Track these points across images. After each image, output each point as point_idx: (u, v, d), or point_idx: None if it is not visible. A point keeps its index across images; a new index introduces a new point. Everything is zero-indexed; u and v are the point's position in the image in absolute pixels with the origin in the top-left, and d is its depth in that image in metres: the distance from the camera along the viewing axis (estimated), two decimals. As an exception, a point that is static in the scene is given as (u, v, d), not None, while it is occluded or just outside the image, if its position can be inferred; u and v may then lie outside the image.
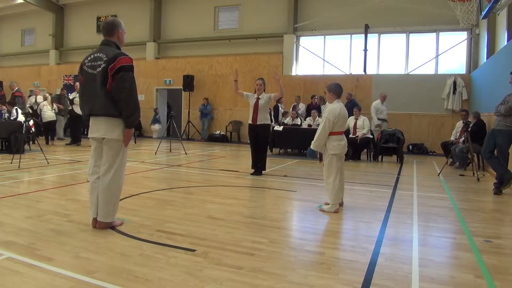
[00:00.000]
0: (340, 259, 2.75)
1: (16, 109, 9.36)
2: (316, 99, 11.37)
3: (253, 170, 6.61)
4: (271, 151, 10.17)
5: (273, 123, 10.09)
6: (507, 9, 7.95)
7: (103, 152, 3.24)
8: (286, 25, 13.65)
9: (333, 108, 4.27)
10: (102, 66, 3.06)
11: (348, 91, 11.36)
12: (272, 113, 11.06)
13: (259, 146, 6.57)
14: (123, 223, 3.40)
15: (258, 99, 6.49)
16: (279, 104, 11.21)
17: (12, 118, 9.12)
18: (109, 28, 3.24)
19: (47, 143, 11.03)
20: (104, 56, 3.09)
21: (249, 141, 6.76)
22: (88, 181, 3.32)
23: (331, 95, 4.36)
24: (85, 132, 11.50)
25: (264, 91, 6.62)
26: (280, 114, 11.20)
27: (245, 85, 14.06)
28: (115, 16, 16.49)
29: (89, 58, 3.19)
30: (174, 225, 3.45)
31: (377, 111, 10.75)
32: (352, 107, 10.27)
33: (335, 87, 4.37)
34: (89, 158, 3.37)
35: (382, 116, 10.73)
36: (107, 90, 3.07)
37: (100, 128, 3.17)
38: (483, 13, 7.46)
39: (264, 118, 6.50)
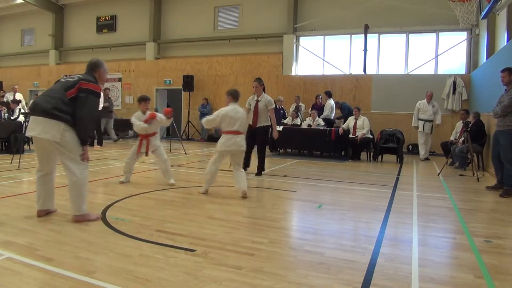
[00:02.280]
0: (340, 259, 2.75)
1: (19, 109, 9.38)
2: (320, 99, 11.36)
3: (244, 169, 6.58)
4: (271, 151, 10.18)
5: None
6: (507, 9, 7.95)
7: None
8: (286, 25, 13.65)
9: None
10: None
11: (337, 100, 11.38)
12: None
13: (258, 148, 6.52)
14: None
15: (257, 101, 6.43)
16: (278, 106, 11.17)
17: (12, 118, 9.13)
18: (91, 67, 3.67)
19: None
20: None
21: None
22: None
23: (228, 98, 5.02)
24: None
25: (264, 91, 6.54)
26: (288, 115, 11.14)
27: (245, 85, 14.08)
28: (115, 16, 16.52)
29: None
30: (174, 225, 3.45)
31: (419, 111, 9.84)
32: (348, 112, 10.26)
33: (232, 92, 5.11)
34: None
35: (425, 117, 9.75)
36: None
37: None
38: (483, 13, 7.47)
39: (263, 120, 6.43)
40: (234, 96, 5.02)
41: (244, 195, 4.72)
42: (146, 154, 5.50)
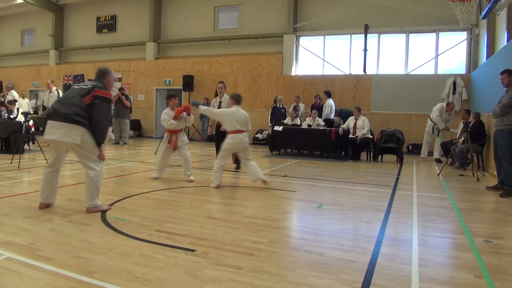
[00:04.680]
0: (340, 259, 2.75)
1: (18, 109, 9.36)
2: (318, 99, 11.37)
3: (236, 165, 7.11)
4: (271, 151, 10.18)
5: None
6: (507, 9, 7.95)
7: None
8: (286, 25, 13.65)
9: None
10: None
11: (336, 100, 11.47)
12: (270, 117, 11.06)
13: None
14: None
15: (220, 102, 6.84)
16: (279, 105, 11.17)
17: (12, 117, 9.12)
18: (101, 74, 3.92)
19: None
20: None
21: (215, 142, 7.05)
22: None
23: (231, 101, 5.54)
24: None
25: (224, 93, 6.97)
26: (288, 114, 11.10)
27: (245, 85, 14.10)
28: (115, 16, 16.51)
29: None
30: (174, 225, 3.45)
31: (440, 113, 9.57)
32: (347, 115, 10.25)
33: (236, 96, 5.63)
34: None
35: (436, 120, 9.56)
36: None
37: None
38: (483, 13, 7.46)
39: None
40: (237, 99, 5.53)
41: (264, 183, 5.33)
42: (174, 149, 5.79)
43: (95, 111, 3.65)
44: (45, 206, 3.88)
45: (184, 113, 5.77)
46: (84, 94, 3.65)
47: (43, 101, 11.12)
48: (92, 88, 3.70)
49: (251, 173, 5.41)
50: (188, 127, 14.40)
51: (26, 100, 12.64)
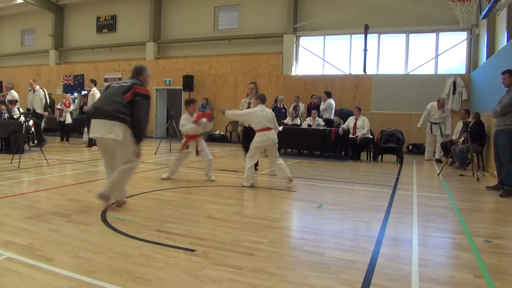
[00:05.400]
0: (340, 259, 2.75)
1: (18, 108, 9.36)
2: (315, 99, 11.37)
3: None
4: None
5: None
6: (507, 9, 7.95)
7: None
8: (286, 25, 13.65)
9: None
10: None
11: (336, 100, 11.44)
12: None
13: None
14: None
15: (249, 103, 6.82)
16: (280, 105, 11.16)
17: (15, 117, 9.11)
18: (137, 71, 4.02)
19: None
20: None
21: (242, 142, 7.08)
22: None
23: (257, 101, 5.70)
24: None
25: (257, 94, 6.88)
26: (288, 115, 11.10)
27: (245, 85, 14.04)
28: (115, 16, 16.51)
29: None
30: (174, 225, 3.45)
31: (429, 113, 9.79)
32: (348, 115, 10.26)
33: (261, 96, 5.82)
34: None
35: (432, 120, 9.75)
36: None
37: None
38: (483, 13, 7.46)
39: None
40: (262, 99, 5.73)
41: (290, 181, 5.52)
42: (197, 154, 5.87)
43: (136, 108, 3.72)
44: (122, 203, 4.02)
45: (204, 119, 5.81)
46: (125, 91, 3.73)
47: (27, 102, 10.48)
48: (132, 85, 3.77)
49: (279, 170, 5.54)
50: (188, 127, 14.44)
51: None
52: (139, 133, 3.78)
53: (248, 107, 6.85)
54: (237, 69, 14.28)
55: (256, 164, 6.86)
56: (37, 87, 10.11)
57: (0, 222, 3.37)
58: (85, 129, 11.77)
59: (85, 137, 11.68)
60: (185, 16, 15.37)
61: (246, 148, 6.55)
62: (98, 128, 3.66)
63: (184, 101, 6.04)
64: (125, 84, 3.82)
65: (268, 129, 5.51)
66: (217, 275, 2.38)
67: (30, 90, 10.25)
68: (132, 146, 3.80)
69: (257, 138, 5.50)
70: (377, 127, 10.55)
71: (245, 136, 6.71)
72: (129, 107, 3.70)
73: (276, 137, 5.62)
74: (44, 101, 10.04)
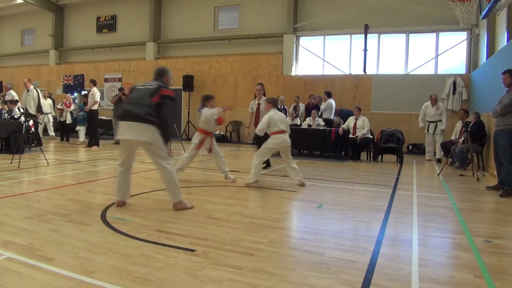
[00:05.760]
0: (340, 259, 2.75)
1: (18, 108, 9.36)
2: (313, 99, 11.36)
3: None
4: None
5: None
6: (507, 9, 7.95)
7: None
8: (286, 25, 13.65)
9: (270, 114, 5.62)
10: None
11: (336, 100, 11.44)
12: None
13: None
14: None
15: (259, 104, 6.83)
16: (280, 106, 11.15)
17: (15, 116, 9.11)
18: (160, 73, 4.11)
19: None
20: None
21: (254, 143, 7.14)
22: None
23: (269, 105, 5.72)
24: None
25: (264, 95, 6.96)
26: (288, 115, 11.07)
27: (245, 85, 14.09)
28: (115, 16, 16.51)
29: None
30: (174, 225, 3.45)
31: (425, 112, 9.84)
32: (348, 115, 10.26)
33: (273, 100, 5.90)
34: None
35: (429, 118, 9.77)
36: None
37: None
38: (483, 13, 7.46)
39: None
40: (274, 103, 5.82)
41: (302, 184, 5.58)
42: (210, 151, 5.89)
43: (163, 110, 3.81)
44: (122, 203, 4.06)
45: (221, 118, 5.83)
46: (152, 94, 3.81)
47: (21, 102, 10.14)
48: (159, 87, 3.86)
49: (293, 172, 5.63)
50: (189, 128, 14.44)
51: (49, 100, 12.61)
52: (166, 134, 3.89)
53: (258, 108, 6.93)
54: (237, 69, 14.28)
55: (268, 163, 6.93)
56: (31, 87, 9.88)
57: (0, 222, 3.37)
58: (81, 129, 11.73)
59: (82, 138, 11.68)
60: (185, 16, 15.38)
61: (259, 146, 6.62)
62: (130, 130, 3.74)
63: (203, 97, 5.93)
64: (151, 87, 3.89)
65: (283, 132, 5.58)
66: (217, 275, 2.38)
67: (24, 90, 10.03)
68: (163, 146, 3.89)
69: (273, 140, 5.54)
70: (377, 127, 10.56)
71: (258, 136, 6.69)
72: (156, 109, 3.79)
73: (289, 140, 5.69)
74: (37, 101, 9.77)
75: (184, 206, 4.04)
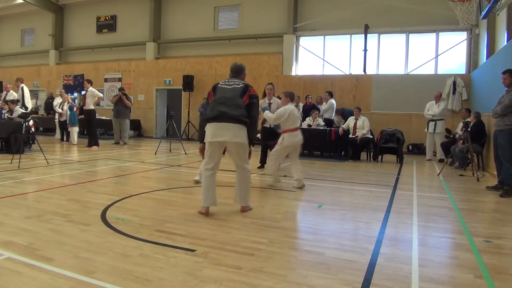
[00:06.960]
0: (340, 259, 2.75)
1: (19, 108, 9.35)
2: (310, 99, 11.36)
3: (260, 165, 7.28)
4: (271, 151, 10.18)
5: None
6: (507, 9, 7.95)
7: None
8: (286, 25, 13.64)
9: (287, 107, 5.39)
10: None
11: (336, 100, 11.42)
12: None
13: (271, 147, 6.66)
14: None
15: (270, 103, 6.80)
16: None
17: (11, 116, 9.10)
18: (238, 71, 4.05)
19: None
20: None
21: (260, 142, 7.11)
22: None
23: (287, 99, 5.51)
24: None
25: (274, 95, 6.94)
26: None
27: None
28: (115, 16, 16.50)
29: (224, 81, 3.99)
30: (174, 225, 3.45)
31: (428, 111, 9.91)
32: (350, 115, 10.25)
33: (291, 94, 5.69)
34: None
35: (429, 117, 9.83)
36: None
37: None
38: (483, 13, 7.46)
39: None
40: (291, 97, 5.60)
41: (301, 187, 5.44)
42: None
43: (252, 111, 3.80)
44: (207, 211, 3.84)
45: None
46: (241, 95, 3.77)
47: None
48: (246, 88, 3.81)
49: (297, 172, 5.53)
50: (189, 128, 14.44)
51: (59, 99, 12.56)
52: (253, 135, 3.89)
53: (269, 107, 6.86)
54: (237, 69, 14.25)
55: (264, 162, 7.01)
56: (21, 85, 9.79)
57: (0, 222, 3.37)
58: (73, 130, 11.50)
59: (75, 139, 11.44)
60: (185, 16, 15.37)
61: (265, 148, 6.74)
62: (227, 132, 3.68)
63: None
64: (238, 86, 3.82)
65: (297, 129, 5.49)
66: (217, 275, 2.38)
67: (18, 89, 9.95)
68: (248, 148, 3.87)
69: (288, 138, 5.37)
70: (377, 127, 10.55)
71: (267, 136, 6.73)
72: (246, 110, 3.76)
73: (302, 138, 5.60)
74: (21, 99, 9.63)
75: (248, 208, 4.04)
